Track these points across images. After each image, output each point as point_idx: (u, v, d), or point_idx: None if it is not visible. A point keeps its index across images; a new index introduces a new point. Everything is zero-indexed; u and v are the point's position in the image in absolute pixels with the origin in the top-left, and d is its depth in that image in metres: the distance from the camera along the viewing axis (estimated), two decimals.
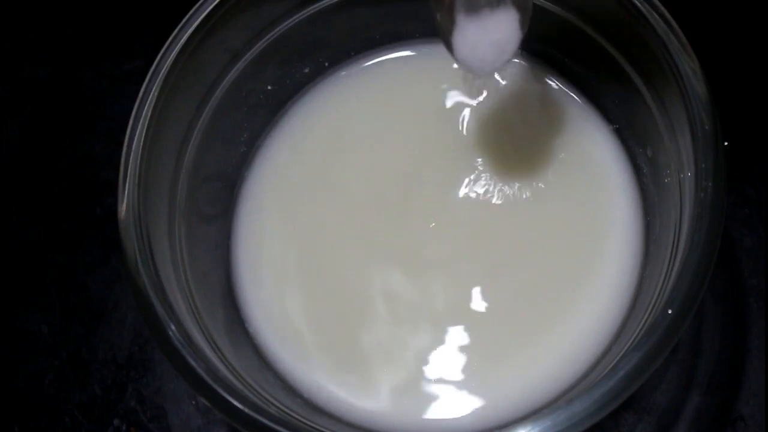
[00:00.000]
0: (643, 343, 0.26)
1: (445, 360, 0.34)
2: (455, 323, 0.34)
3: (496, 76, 0.39)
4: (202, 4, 0.32)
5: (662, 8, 0.30)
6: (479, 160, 0.37)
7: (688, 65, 0.29)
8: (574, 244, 0.35)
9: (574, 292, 0.34)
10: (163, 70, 0.31)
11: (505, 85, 0.39)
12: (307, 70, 0.39)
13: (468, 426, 0.33)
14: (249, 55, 0.36)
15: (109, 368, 0.39)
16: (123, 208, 0.30)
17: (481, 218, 0.36)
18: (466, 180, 0.37)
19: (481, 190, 0.36)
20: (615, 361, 0.26)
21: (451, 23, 0.29)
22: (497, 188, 0.36)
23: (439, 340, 0.34)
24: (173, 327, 0.28)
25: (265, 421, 0.26)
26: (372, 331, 0.34)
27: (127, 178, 0.30)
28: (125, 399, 0.38)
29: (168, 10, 0.34)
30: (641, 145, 0.35)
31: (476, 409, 0.33)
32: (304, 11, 0.36)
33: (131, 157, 0.30)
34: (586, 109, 0.38)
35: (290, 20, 0.36)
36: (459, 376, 0.33)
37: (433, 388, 0.33)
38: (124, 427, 0.38)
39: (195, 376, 0.27)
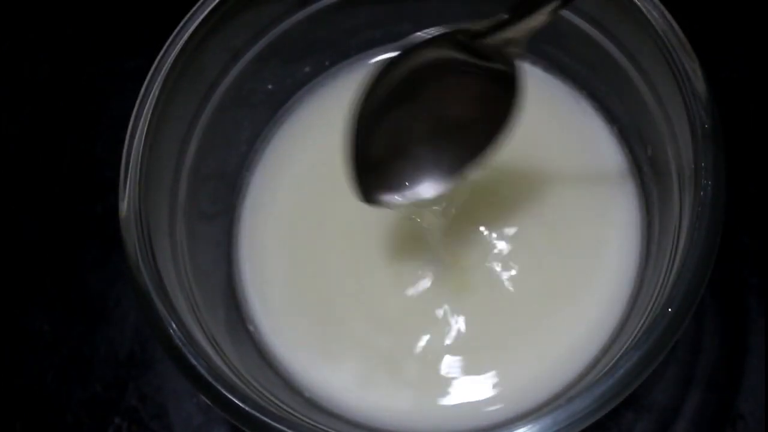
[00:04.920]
0: (643, 342, 0.26)
1: (445, 359, 0.34)
2: (455, 322, 0.34)
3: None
4: (202, 3, 0.32)
5: (662, 7, 0.30)
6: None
7: (688, 64, 0.29)
8: (573, 243, 0.35)
9: (574, 291, 0.34)
10: (163, 70, 0.31)
11: None
12: (307, 70, 0.39)
13: (469, 424, 0.33)
14: (249, 55, 0.36)
15: (110, 366, 0.39)
16: (124, 207, 0.30)
17: (481, 218, 0.36)
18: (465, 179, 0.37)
19: (480, 190, 0.37)
20: (615, 360, 0.27)
21: None
22: (497, 187, 0.37)
23: (439, 340, 0.34)
24: (174, 325, 0.28)
25: (266, 419, 0.26)
26: (374, 330, 0.35)
27: (128, 177, 0.30)
28: (126, 397, 0.39)
29: (168, 10, 0.34)
30: (641, 144, 0.35)
31: (476, 408, 0.33)
32: (305, 10, 0.36)
33: (132, 156, 0.30)
34: (586, 108, 0.38)
35: (291, 19, 0.36)
36: (459, 376, 0.34)
37: (433, 387, 0.34)
38: (125, 425, 0.38)
39: (196, 375, 0.27)
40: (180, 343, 0.28)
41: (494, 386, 0.33)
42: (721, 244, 0.27)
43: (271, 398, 0.29)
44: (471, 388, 0.33)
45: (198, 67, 0.33)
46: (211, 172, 0.36)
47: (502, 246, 0.35)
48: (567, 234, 0.35)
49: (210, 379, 0.27)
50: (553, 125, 0.38)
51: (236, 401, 0.27)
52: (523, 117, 0.38)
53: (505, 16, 0.28)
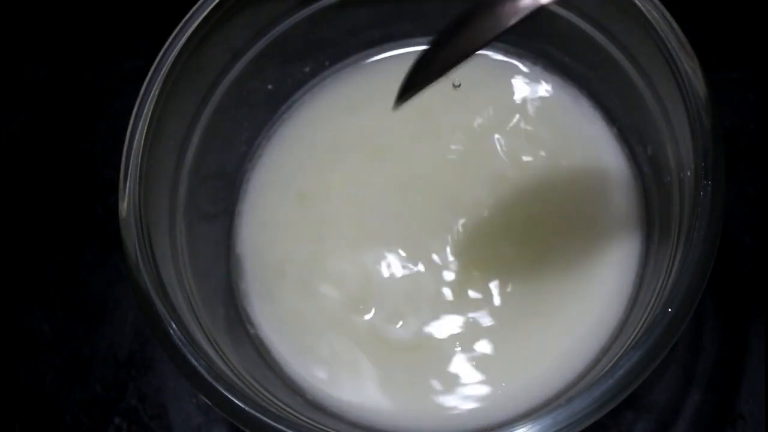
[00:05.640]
0: (643, 342, 0.26)
1: (445, 359, 0.34)
2: (455, 322, 0.34)
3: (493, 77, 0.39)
4: (202, 3, 0.33)
5: (662, 8, 0.30)
6: (479, 159, 0.37)
7: (688, 64, 0.29)
8: (573, 243, 0.35)
9: (574, 290, 0.34)
10: (163, 69, 0.31)
11: (505, 85, 0.39)
12: (307, 69, 0.40)
13: (468, 424, 0.33)
14: (249, 54, 0.36)
15: (110, 366, 0.39)
16: (124, 207, 0.30)
17: (480, 217, 0.36)
18: (465, 179, 0.37)
19: (480, 190, 0.37)
20: (615, 360, 0.27)
21: None
22: (497, 188, 0.37)
23: (439, 340, 0.34)
24: (174, 325, 0.28)
25: (266, 420, 0.26)
26: (373, 330, 0.34)
27: (128, 177, 0.30)
28: (126, 397, 0.39)
29: (168, 10, 0.34)
30: (641, 144, 0.35)
31: (476, 408, 0.33)
32: (305, 10, 0.36)
33: (132, 156, 0.30)
34: (586, 108, 0.38)
35: (291, 19, 0.36)
36: (459, 375, 0.33)
37: (433, 387, 0.33)
38: (125, 426, 0.38)
39: (196, 375, 0.27)
40: (179, 343, 0.28)
41: (494, 386, 0.33)
42: (721, 244, 0.27)
43: (271, 398, 0.29)
44: (471, 388, 0.33)
45: (198, 67, 0.33)
46: (211, 171, 0.36)
47: (501, 245, 0.35)
48: (566, 233, 0.35)
49: (209, 378, 0.27)
50: (552, 125, 0.38)
51: (236, 401, 0.27)
52: (523, 118, 0.38)
53: None
